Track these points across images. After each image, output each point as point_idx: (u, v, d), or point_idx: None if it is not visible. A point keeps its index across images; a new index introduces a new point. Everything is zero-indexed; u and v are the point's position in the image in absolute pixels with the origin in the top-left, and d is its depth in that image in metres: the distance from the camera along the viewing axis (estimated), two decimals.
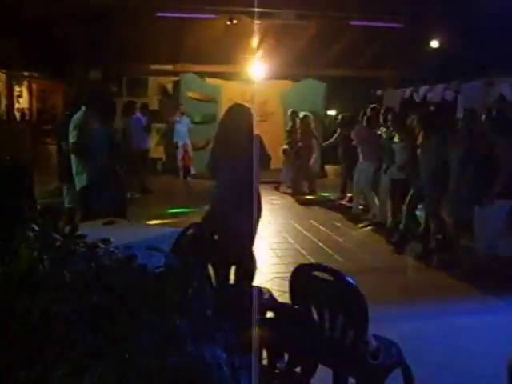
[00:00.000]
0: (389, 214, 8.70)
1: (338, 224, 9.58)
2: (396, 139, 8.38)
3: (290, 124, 13.38)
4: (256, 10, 10.69)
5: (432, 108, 8.39)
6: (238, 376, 1.31)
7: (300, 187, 12.69)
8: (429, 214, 7.43)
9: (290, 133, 13.23)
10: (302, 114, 12.72)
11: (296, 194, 12.44)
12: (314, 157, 12.92)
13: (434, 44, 12.94)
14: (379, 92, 16.52)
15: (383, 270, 7.15)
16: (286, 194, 12.67)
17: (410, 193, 7.64)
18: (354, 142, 10.02)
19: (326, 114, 16.46)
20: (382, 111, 9.38)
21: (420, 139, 7.45)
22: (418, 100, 14.06)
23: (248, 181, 4.80)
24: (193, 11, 11.65)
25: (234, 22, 12.09)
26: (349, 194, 11.20)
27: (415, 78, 14.54)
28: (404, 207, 7.78)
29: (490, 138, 6.37)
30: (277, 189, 13.03)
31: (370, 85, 16.67)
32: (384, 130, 9.10)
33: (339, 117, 11.96)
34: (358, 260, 7.47)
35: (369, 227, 9.23)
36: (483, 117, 6.53)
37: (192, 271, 1.86)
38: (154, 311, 1.38)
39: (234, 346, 1.49)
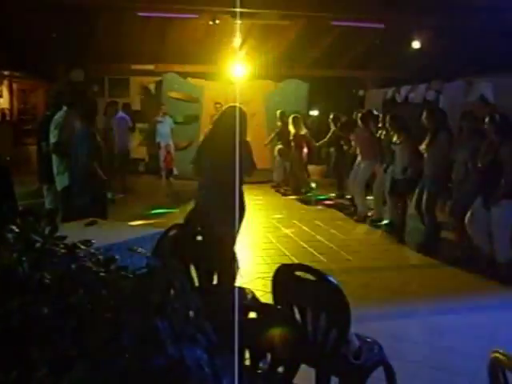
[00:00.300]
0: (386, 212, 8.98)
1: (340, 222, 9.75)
2: (395, 140, 8.49)
3: (279, 125, 13.45)
4: (238, 10, 10.66)
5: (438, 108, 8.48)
6: (219, 377, 1.31)
7: (297, 187, 12.81)
8: (425, 210, 7.57)
9: (281, 134, 13.31)
10: (293, 115, 12.85)
11: (294, 193, 12.59)
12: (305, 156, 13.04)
13: (416, 44, 13.03)
14: (361, 92, 16.62)
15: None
16: (284, 194, 12.85)
17: (417, 192, 7.80)
18: (353, 143, 10.10)
19: (308, 113, 16.50)
20: (381, 114, 9.54)
21: (427, 139, 7.58)
22: (399, 100, 14.17)
23: (233, 181, 4.80)
24: (175, 11, 11.60)
25: (217, 22, 12.07)
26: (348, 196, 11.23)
27: (397, 78, 14.63)
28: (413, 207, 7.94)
29: (495, 140, 6.45)
30: (278, 190, 13.22)
31: (353, 85, 16.76)
32: (383, 132, 9.19)
33: (331, 116, 12.06)
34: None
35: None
36: (487, 119, 6.54)
37: (174, 272, 1.85)
38: (134, 312, 1.37)
39: (215, 346, 1.49)
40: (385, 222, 9.18)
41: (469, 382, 4.00)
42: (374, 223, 9.34)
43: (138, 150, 15.45)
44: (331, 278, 2.91)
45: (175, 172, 14.70)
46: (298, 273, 3.02)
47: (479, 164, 6.59)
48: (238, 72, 14.02)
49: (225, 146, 5.02)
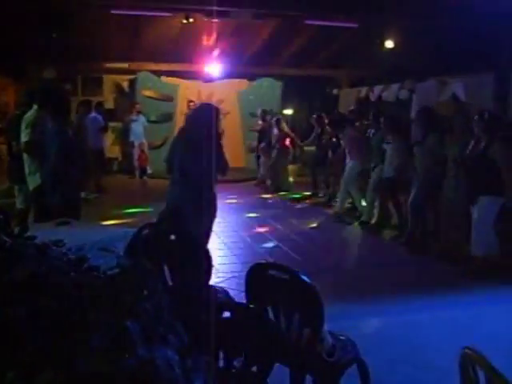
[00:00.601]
0: (375, 211, 9.04)
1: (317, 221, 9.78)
2: (388, 139, 8.60)
3: (260, 123, 13.49)
4: (212, 8, 10.64)
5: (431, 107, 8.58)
6: (190, 377, 1.30)
7: (279, 185, 12.86)
8: (412, 206, 7.69)
9: (262, 132, 13.35)
10: (275, 118, 12.99)
11: (275, 192, 12.66)
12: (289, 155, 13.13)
13: (389, 44, 13.14)
14: (335, 91, 16.70)
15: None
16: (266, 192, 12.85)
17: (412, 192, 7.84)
18: (342, 143, 10.14)
19: (282, 112, 16.55)
20: (372, 112, 9.59)
21: (418, 139, 7.74)
22: (373, 99, 14.27)
23: (205, 180, 4.80)
24: (149, 9, 11.53)
25: (191, 20, 12.04)
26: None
27: (370, 78, 14.74)
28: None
29: (484, 139, 6.53)
30: (260, 188, 13.28)
31: (326, 84, 16.83)
32: (373, 131, 9.27)
33: (314, 116, 12.13)
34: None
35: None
36: (476, 117, 6.64)
37: (145, 272, 1.84)
38: (105, 313, 1.35)
39: (187, 346, 1.48)
40: (362, 219, 9.30)
41: (442, 378, 4.03)
42: (363, 225, 9.27)
43: (111, 149, 15.33)
44: (304, 277, 2.91)
45: (149, 171, 14.64)
46: (271, 271, 3.02)
47: (467, 161, 6.71)
48: (211, 71, 14.02)
49: (195, 144, 5.01)
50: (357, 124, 10.35)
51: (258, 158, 13.85)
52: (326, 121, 11.35)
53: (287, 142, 12.75)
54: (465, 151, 6.80)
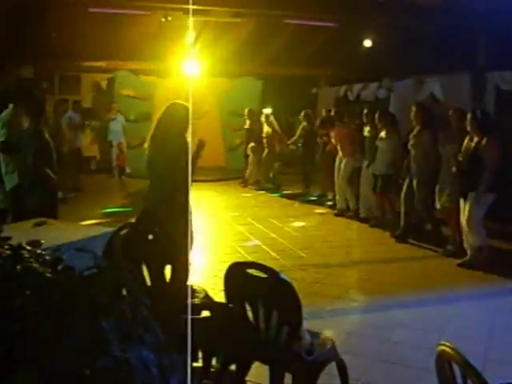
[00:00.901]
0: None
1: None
2: (381, 136, 8.71)
3: (248, 123, 13.52)
4: (191, 7, 10.61)
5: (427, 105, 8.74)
6: (167, 377, 1.30)
7: (269, 183, 12.97)
8: (418, 203, 7.87)
9: (250, 131, 13.37)
10: (264, 113, 13.10)
11: (265, 189, 12.79)
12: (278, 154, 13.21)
13: (367, 43, 13.21)
14: (314, 90, 16.74)
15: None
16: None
17: (405, 187, 8.07)
18: (333, 140, 10.18)
19: (262, 111, 16.55)
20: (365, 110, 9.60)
21: (413, 135, 7.89)
22: (351, 98, 14.34)
23: (180, 180, 4.79)
24: (127, 7, 11.46)
25: (169, 18, 11.99)
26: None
27: (349, 77, 14.80)
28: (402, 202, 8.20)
29: (475, 136, 6.74)
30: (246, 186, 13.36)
31: (306, 83, 16.86)
32: (367, 128, 9.31)
33: (302, 113, 12.22)
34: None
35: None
36: (469, 116, 6.84)
37: (123, 272, 1.83)
38: (80, 313, 1.34)
39: (164, 346, 1.47)
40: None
41: (420, 374, 4.07)
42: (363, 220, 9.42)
43: (89, 148, 15.20)
44: (282, 276, 2.92)
45: (128, 170, 14.55)
46: (249, 270, 3.02)
47: (460, 158, 6.87)
48: (191, 69, 13.96)
49: (164, 144, 5.03)
50: (345, 121, 10.37)
51: (247, 157, 13.84)
52: (318, 120, 11.42)
53: (276, 139, 12.79)
54: (458, 149, 7.00)
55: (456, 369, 1.98)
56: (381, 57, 13.25)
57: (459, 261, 6.98)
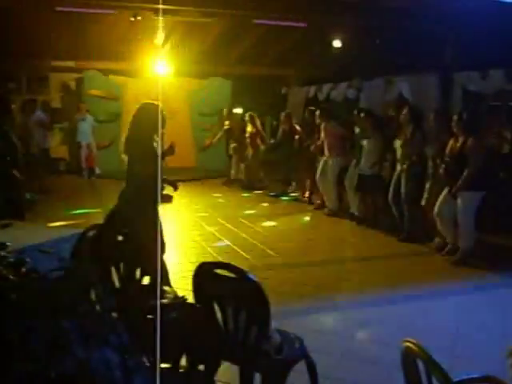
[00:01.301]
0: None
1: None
2: (367, 136, 8.88)
3: (227, 123, 13.51)
4: (160, 6, 10.54)
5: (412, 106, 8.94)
6: (130, 378, 1.30)
7: (252, 184, 12.94)
8: (405, 203, 8.04)
9: (230, 131, 13.36)
10: (249, 113, 12.98)
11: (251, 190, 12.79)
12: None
13: (337, 44, 13.29)
14: (284, 90, 16.79)
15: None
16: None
17: (392, 187, 8.21)
18: (322, 138, 10.20)
19: (232, 111, 16.54)
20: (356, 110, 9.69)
21: (402, 136, 8.07)
22: (321, 98, 14.41)
23: (149, 181, 4.77)
24: (95, 6, 11.33)
25: (138, 18, 11.89)
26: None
27: (319, 77, 14.87)
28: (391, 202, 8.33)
29: (461, 136, 6.96)
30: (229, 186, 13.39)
31: (276, 83, 16.89)
32: (356, 127, 9.45)
33: (283, 114, 12.29)
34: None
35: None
36: (455, 117, 7.08)
37: (89, 273, 1.82)
38: (43, 314, 1.34)
39: (129, 347, 1.47)
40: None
41: (388, 371, 4.11)
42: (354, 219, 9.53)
43: (58, 149, 15.03)
44: (250, 275, 2.93)
45: (97, 171, 14.44)
46: (218, 271, 3.02)
47: (446, 158, 7.10)
48: (160, 69, 13.89)
49: (136, 144, 5.04)
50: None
51: (230, 157, 13.82)
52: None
53: (259, 139, 12.82)
54: (443, 149, 7.20)
55: (421, 365, 2.01)
56: (350, 57, 13.35)
57: (447, 257, 7.25)
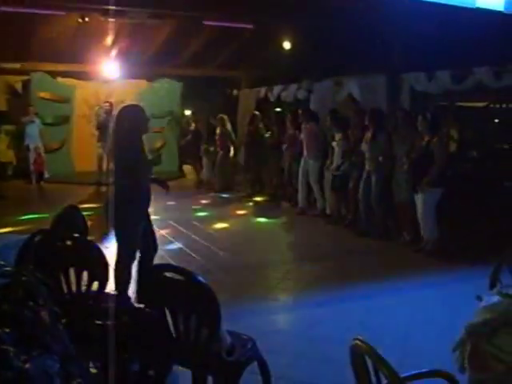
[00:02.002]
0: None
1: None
2: (337, 138, 9.17)
3: (193, 125, 13.49)
4: (108, 8, 10.42)
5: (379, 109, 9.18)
6: None
7: (224, 186, 12.91)
8: (375, 201, 8.30)
9: (197, 133, 13.33)
10: (220, 115, 12.94)
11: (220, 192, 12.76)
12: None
13: (287, 45, 13.37)
14: (235, 91, 16.80)
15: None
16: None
17: (362, 187, 8.46)
18: (301, 138, 10.27)
19: (183, 113, 16.47)
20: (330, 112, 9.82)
21: (368, 137, 8.33)
22: (272, 99, 14.47)
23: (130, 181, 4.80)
24: (41, 7, 11.10)
25: (86, 19, 11.72)
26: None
27: (269, 78, 14.93)
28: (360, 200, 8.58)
29: (425, 136, 7.30)
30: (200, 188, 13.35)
31: (226, 84, 16.89)
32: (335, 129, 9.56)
33: (256, 113, 12.42)
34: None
35: None
36: (420, 117, 7.40)
37: (32, 281, 1.78)
38: None
39: (72, 354, 1.44)
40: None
41: (341, 369, 4.13)
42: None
43: (5, 153, 14.67)
44: (199, 278, 2.91)
45: (46, 175, 14.15)
46: (167, 274, 2.99)
47: (413, 155, 7.44)
48: (109, 71, 13.73)
49: (121, 145, 5.00)
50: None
51: (200, 159, 13.71)
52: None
53: (229, 141, 12.80)
54: (412, 148, 7.55)
55: (369, 363, 2.03)
56: (300, 58, 13.44)
57: (411, 253, 7.56)
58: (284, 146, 11.13)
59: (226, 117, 12.91)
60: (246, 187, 12.60)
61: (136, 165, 4.95)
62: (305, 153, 10.12)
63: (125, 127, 5.00)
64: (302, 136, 10.26)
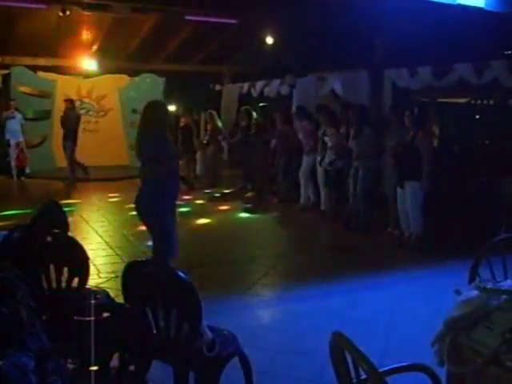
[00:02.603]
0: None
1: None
2: (328, 133, 9.25)
3: (183, 120, 13.47)
4: (89, 1, 10.33)
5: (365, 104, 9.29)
6: (48, 381, 1.26)
7: (213, 182, 12.90)
8: (361, 196, 8.42)
9: (187, 129, 13.29)
10: (209, 110, 13.04)
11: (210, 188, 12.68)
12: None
13: (269, 40, 13.36)
14: (218, 87, 16.78)
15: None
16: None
17: (351, 182, 8.59)
18: (299, 135, 10.33)
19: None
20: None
21: (352, 134, 8.51)
22: (255, 94, 14.48)
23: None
24: (21, 0, 10.96)
25: (67, 13, 11.59)
26: None
27: (252, 73, 14.93)
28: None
29: (412, 130, 7.41)
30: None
31: (209, 80, 16.85)
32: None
33: (243, 111, 12.23)
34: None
35: None
36: (407, 112, 7.47)
37: (8, 276, 1.76)
38: None
39: (49, 351, 1.43)
40: None
41: (323, 363, 4.16)
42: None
43: None
44: (180, 273, 2.90)
45: (28, 171, 14.02)
46: (147, 269, 2.98)
47: (399, 149, 7.56)
48: (91, 66, 13.64)
49: (147, 141, 5.41)
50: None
51: (193, 154, 13.67)
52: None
53: (220, 136, 12.77)
54: (398, 142, 7.64)
55: (348, 357, 2.04)
56: (283, 54, 13.45)
57: (399, 247, 7.70)
58: (273, 142, 11.13)
59: (215, 112, 12.94)
60: (236, 182, 12.57)
61: (164, 153, 5.36)
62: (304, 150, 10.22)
63: (153, 118, 5.43)
64: (299, 133, 10.37)
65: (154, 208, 5.46)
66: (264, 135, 11.26)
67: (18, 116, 13.76)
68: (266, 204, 10.79)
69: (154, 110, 5.59)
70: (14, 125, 13.62)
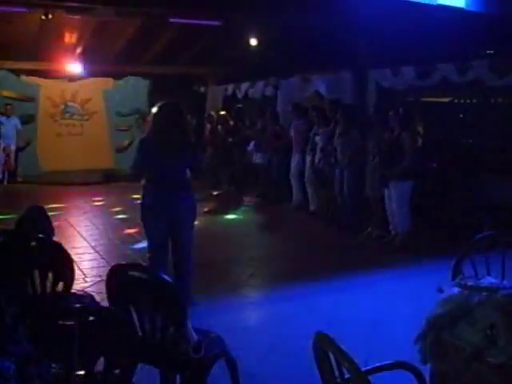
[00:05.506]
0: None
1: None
2: (319, 133, 9.37)
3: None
4: (72, 5, 10.27)
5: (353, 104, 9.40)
6: None
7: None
8: (347, 195, 8.51)
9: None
10: (208, 113, 13.49)
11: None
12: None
13: (253, 42, 13.37)
14: (202, 89, 16.77)
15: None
16: None
17: (337, 181, 8.69)
18: (291, 134, 10.45)
19: (150, 111, 16.32)
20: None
21: (338, 133, 8.62)
22: (240, 96, 14.50)
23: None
24: (3, 3, 10.87)
25: (50, 16, 11.52)
26: None
27: (237, 75, 14.93)
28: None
29: (396, 131, 7.51)
30: None
31: (194, 82, 16.83)
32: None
33: (233, 113, 12.30)
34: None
35: None
36: (391, 112, 7.62)
37: None
38: None
39: (31, 356, 1.43)
40: None
41: (310, 363, 4.18)
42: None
43: None
44: (165, 276, 2.91)
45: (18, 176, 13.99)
46: (132, 272, 2.98)
47: (383, 148, 7.65)
48: (75, 69, 13.57)
49: (169, 146, 5.24)
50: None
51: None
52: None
53: (218, 139, 12.81)
54: (380, 142, 7.76)
55: (331, 356, 2.06)
56: (267, 55, 13.46)
57: (386, 245, 7.75)
58: (251, 143, 11.17)
59: (214, 114, 12.99)
60: (223, 183, 12.58)
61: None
62: (293, 149, 10.31)
63: (167, 125, 5.32)
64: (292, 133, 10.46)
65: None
66: (236, 136, 11.30)
67: (13, 120, 13.67)
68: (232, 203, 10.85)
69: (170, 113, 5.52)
70: (8, 130, 13.53)
